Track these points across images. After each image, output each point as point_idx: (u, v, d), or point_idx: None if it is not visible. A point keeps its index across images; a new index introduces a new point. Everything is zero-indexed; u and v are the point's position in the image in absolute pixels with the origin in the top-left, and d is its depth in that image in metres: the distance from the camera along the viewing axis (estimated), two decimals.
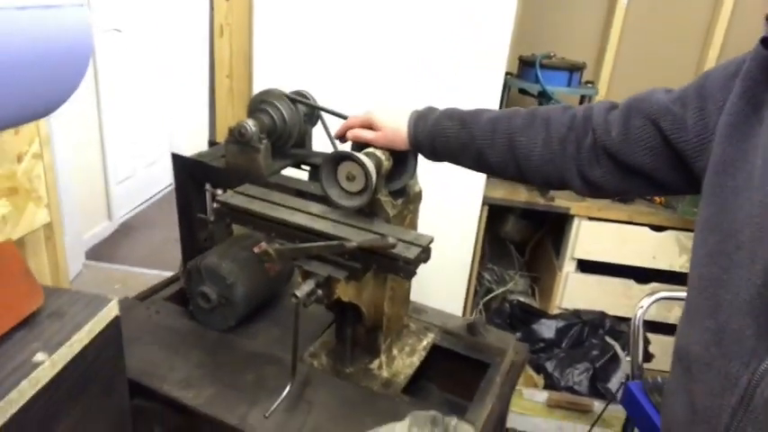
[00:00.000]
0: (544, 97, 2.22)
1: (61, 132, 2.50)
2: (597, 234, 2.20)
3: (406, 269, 0.94)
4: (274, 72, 1.86)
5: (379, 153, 1.03)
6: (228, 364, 1.13)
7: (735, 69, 0.69)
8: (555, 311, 2.34)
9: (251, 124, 1.15)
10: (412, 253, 0.93)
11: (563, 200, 2.16)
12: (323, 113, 1.26)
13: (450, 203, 1.94)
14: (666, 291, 1.58)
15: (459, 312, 2.11)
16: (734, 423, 0.62)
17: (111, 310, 0.87)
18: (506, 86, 2.24)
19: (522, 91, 2.31)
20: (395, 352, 1.20)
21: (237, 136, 1.16)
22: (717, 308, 0.64)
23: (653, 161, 0.79)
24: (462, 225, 2.03)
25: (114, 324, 0.88)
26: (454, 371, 1.25)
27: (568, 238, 2.22)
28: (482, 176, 1.92)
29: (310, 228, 1.00)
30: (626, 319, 2.08)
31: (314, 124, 1.29)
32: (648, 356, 2.15)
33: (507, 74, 2.17)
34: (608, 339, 2.16)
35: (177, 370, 1.10)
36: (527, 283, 2.61)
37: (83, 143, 2.86)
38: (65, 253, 1.38)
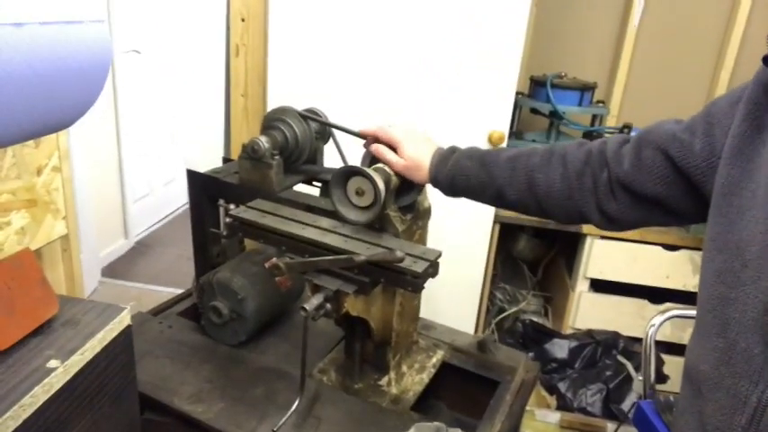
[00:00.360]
0: (555, 117, 2.22)
1: (81, 151, 2.55)
2: (610, 253, 2.18)
3: (414, 283, 0.94)
4: (288, 90, 1.89)
5: (388, 168, 1.04)
6: (238, 379, 1.14)
7: (739, 95, 0.71)
8: (568, 331, 2.32)
9: (264, 141, 1.17)
10: (420, 267, 0.94)
11: None
12: (334, 131, 1.28)
13: (462, 221, 1.94)
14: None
15: (470, 332, 2.10)
16: None
17: (123, 320, 0.89)
18: (517, 106, 2.25)
19: (534, 110, 2.31)
20: (404, 368, 1.19)
21: (250, 152, 1.18)
22: (725, 326, 0.64)
23: (666, 189, 0.81)
24: (474, 243, 2.03)
25: (126, 333, 0.90)
26: (463, 388, 1.25)
27: (581, 257, 2.21)
28: None
29: (320, 242, 1.02)
30: (640, 340, 2.05)
31: (326, 141, 1.31)
32: (663, 377, 2.11)
33: (518, 93, 2.18)
34: (621, 359, 2.13)
35: (188, 384, 1.11)
36: (540, 302, 2.59)
37: (101, 161, 2.92)
38: (80, 265, 1.40)
